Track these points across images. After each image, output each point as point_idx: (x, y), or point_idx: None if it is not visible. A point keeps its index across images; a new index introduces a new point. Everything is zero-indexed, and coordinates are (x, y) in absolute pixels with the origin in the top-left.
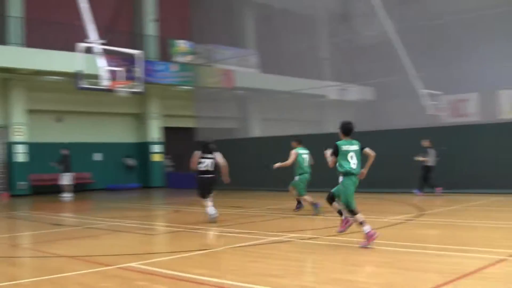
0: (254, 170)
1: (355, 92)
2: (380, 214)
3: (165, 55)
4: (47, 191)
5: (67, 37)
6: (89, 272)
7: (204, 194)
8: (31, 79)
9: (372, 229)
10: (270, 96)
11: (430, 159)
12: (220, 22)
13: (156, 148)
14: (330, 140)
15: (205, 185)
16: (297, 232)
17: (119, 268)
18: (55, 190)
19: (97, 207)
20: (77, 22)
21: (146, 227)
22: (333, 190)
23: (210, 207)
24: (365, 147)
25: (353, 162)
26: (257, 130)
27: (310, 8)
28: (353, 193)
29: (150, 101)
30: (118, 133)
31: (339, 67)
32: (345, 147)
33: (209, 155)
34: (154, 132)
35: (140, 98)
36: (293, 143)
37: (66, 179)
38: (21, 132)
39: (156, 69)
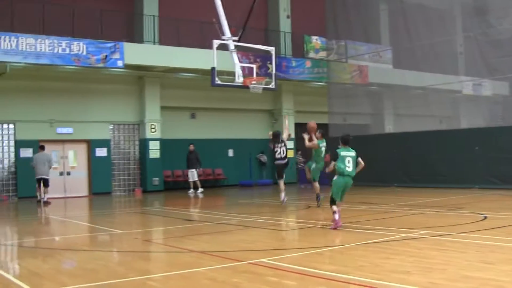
0: (386, 166)
1: (489, 87)
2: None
3: (299, 51)
4: (179, 187)
5: (200, 34)
6: (220, 267)
7: (281, 176)
8: (165, 76)
9: (340, 221)
10: (403, 92)
11: None
12: (354, 18)
13: (289, 144)
14: (463, 136)
15: (281, 169)
16: (429, 228)
17: (250, 263)
18: (188, 186)
19: (229, 203)
20: (215, 20)
21: (277, 223)
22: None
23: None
24: (359, 157)
25: (348, 165)
26: (390, 126)
27: (444, 2)
28: (340, 189)
29: (283, 97)
30: (251, 129)
31: (473, 61)
32: (343, 153)
33: (280, 144)
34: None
35: (273, 94)
36: (318, 135)
37: (190, 175)
38: (155, 129)
39: (290, 65)
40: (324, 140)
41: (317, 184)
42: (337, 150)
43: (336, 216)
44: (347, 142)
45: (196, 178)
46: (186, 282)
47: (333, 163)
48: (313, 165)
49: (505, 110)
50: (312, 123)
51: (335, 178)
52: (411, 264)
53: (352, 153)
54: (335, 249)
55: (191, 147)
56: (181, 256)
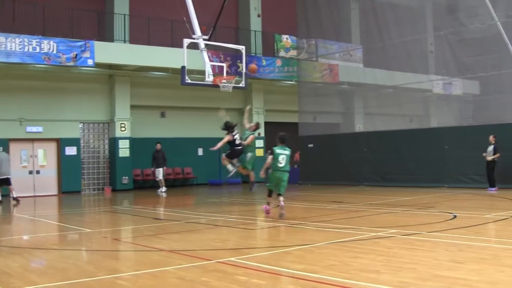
0: (356, 165)
1: (459, 86)
2: (484, 210)
3: (269, 50)
4: (149, 185)
5: (170, 33)
6: (189, 266)
7: (233, 159)
8: (135, 75)
9: (269, 209)
10: (374, 91)
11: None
12: (325, 16)
13: (258, 143)
14: (434, 135)
15: (238, 154)
16: (398, 227)
17: (219, 262)
18: (157, 185)
19: (199, 202)
20: (186, 18)
21: (246, 221)
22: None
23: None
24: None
25: (281, 162)
26: (360, 125)
27: (415, 1)
28: (274, 182)
29: (253, 96)
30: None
31: (444, 60)
32: (278, 151)
33: (235, 132)
34: None
35: (243, 93)
36: (253, 126)
37: (157, 173)
38: (124, 127)
39: (261, 64)
40: (255, 132)
41: (253, 173)
42: (274, 148)
43: (267, 206)
44: (283, 141)
45: (161, 177)
46: (155, 281)
47: (270, 157)
48: (249, 154)
49: (475, 109)
50: (253, 65)
51: (270, 172)
52: (381, 263)
53: (287, 151)
54: (304, 248)
55: (158, 146)
56: (150, 255)
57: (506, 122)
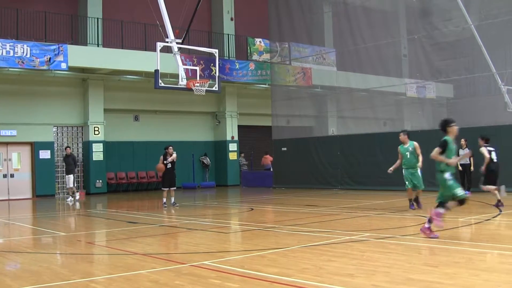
0: (330, 168)
1: (433, 89)
2: (457, 214)
3: (242, 53)
4: (122, 189)
5: (143, 36)
6: (163, 269)
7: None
8: (109, 79)
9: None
10: (347, 94)
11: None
12: (298, 20)
13: (232, 146)
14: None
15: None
16: (372, 231)
17: (193, 266)
18: (131, 188)
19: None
20: (159, 22)
21: (220, 225)
22: None
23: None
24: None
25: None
26: (333, 129)
27: (389, 4)
28: None
29: (226, 100)
30: (195, 131)
31: (418, 64)
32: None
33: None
34: (230, 130)
35: (217, 96)
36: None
37: (67, 180)
38: (98, 131)
39: (234, 67)
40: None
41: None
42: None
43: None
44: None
45: (71, 185)
46: (129, 284)
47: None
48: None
49: (449, 113)
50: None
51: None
52: (354, 266)
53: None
54: (278, 252)
55: (68, 150)
56: (124, 258)
57: (480, 125)
